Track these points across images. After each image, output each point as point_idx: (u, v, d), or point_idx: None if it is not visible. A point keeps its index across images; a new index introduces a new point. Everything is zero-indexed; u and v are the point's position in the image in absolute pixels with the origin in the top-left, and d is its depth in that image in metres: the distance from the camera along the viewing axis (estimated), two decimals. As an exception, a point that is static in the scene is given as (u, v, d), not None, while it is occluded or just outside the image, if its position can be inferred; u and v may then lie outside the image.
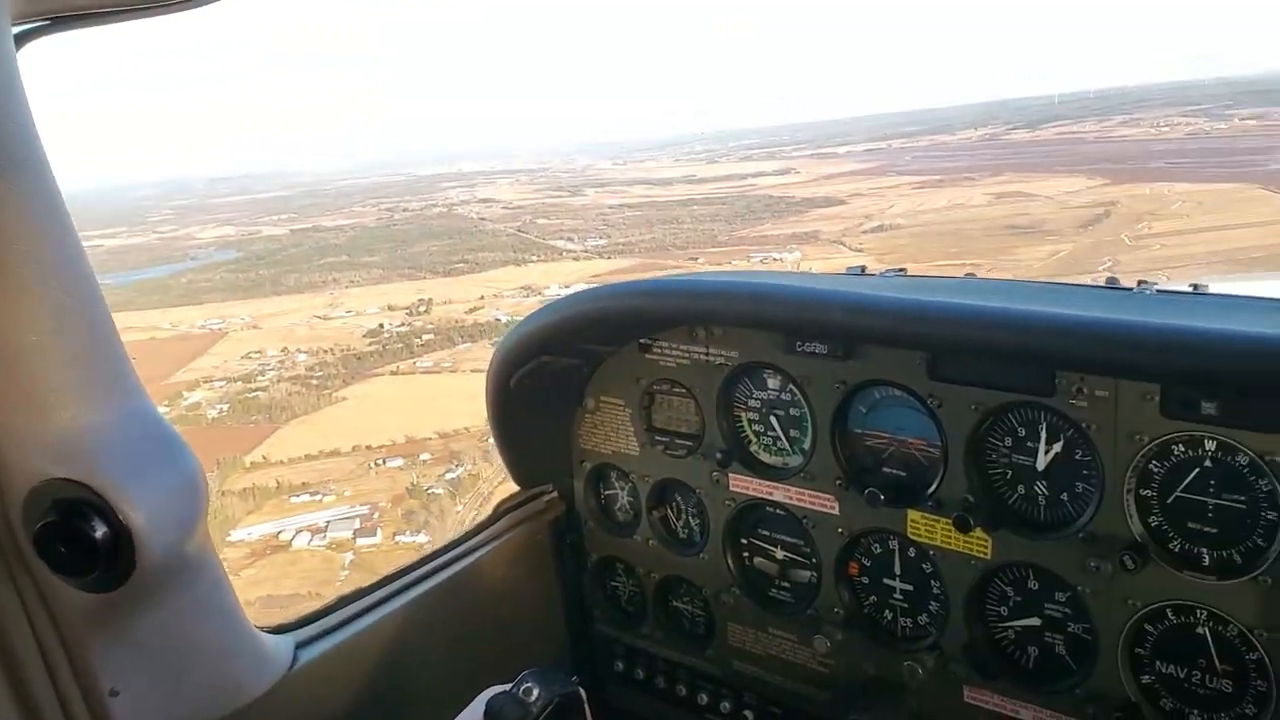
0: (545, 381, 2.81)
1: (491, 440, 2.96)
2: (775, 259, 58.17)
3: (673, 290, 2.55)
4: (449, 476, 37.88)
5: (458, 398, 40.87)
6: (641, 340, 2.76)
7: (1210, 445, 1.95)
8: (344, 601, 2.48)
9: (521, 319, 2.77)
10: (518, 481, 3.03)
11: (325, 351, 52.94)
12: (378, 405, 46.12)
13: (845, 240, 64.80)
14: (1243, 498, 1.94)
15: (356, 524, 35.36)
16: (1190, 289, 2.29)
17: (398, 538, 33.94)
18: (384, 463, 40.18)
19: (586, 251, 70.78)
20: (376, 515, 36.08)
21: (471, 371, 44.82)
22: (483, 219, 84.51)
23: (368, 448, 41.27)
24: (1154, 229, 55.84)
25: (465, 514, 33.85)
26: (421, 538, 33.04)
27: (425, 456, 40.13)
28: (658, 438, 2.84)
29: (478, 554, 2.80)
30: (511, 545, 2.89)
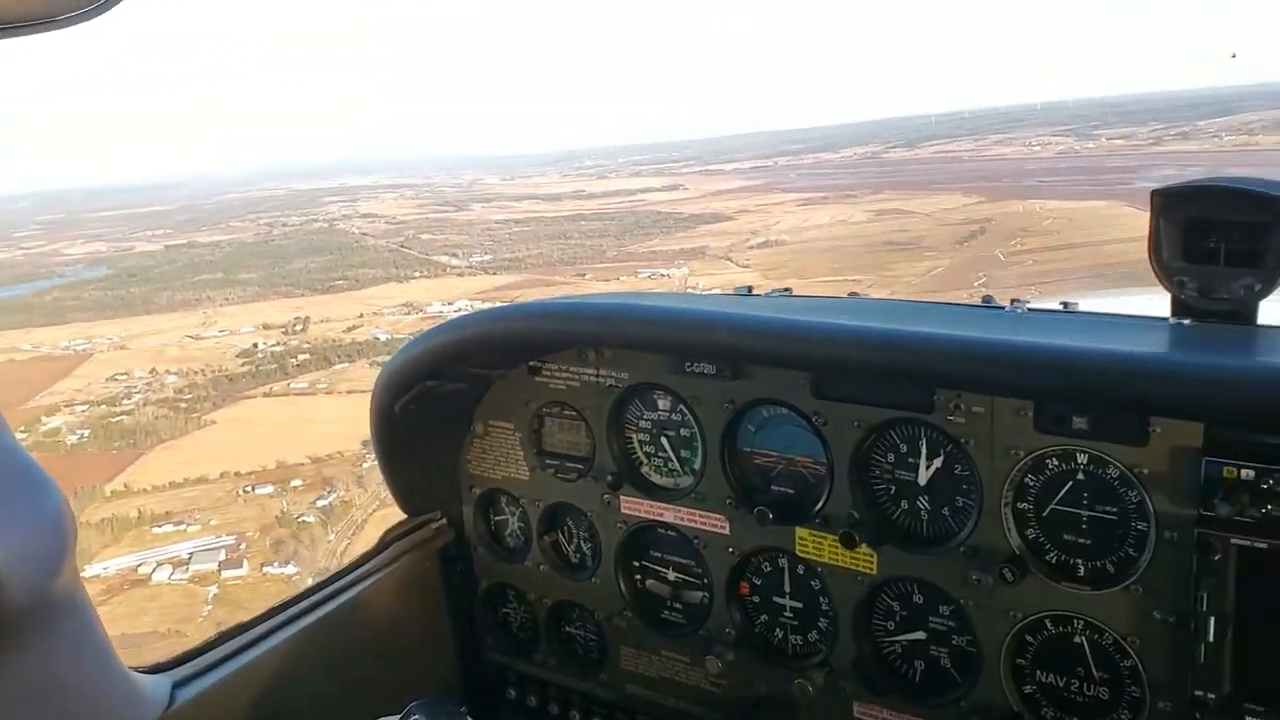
0: (431, 406, 2.76)
1: (366, 465, 3.17)
2: (663, 275, 58.50)
3: (561, 313, 2.55)
4: (321, 503, 36.68)
5: (333, 420, 39.81)
6: (530, 363, 2.75)
7: (1082, 458, 2.00)
8: (224, 637, 2.40)
9: (405, 343, 2.75)
10: (404, 509, 2.97)
11: (196, 373, 51.20)
12: (249, 429, 44.64)
13: (732, 256, 65.55)
14: (1114, 509, 2.00)
15: (222, 555, 33.99)
16: (1060, 307, 2.34)
17: (265, 569, 32.75)
18: (253, 489, 38.72)
19: (471, 267, 70.06)
20: (244, 546, 34.71)
21: (348, 392, 43.92)
22: (364, 234, 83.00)
23: (237, 474, 39.82)
24: (1026, 245, 57.61)
25: (337, 543, 32.66)
26: (290, 569, 31.97)
27: (297, 482, 38.81)
28: (548, 461, 2.81)
29: (364, 584, 2.73)
30: (399, 574, 2.83)
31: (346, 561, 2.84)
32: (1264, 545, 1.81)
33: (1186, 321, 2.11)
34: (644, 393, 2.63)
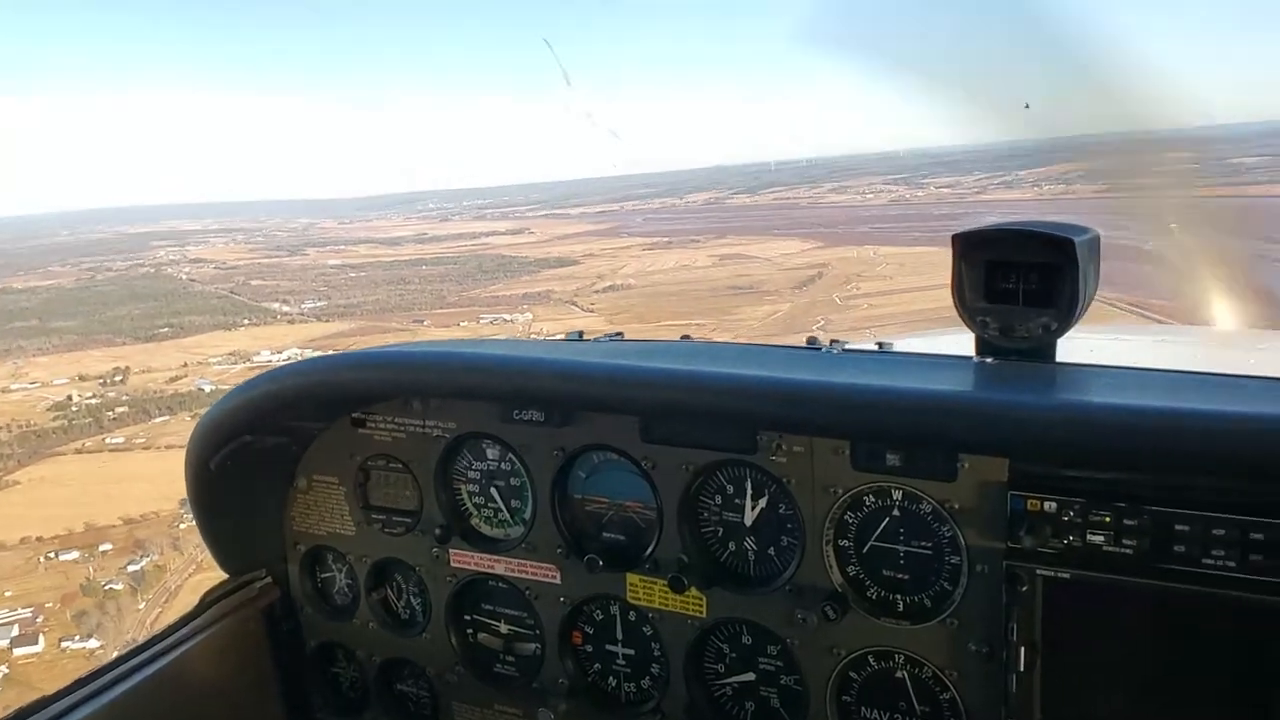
0: (251, 461, 2.65)
1: (183, 526, 2.87)
2: (506, 320, 57.91)
3: (382, 362, 2.47)
4: (131, 569, 33.94)
5: (150, 478, 37.22)
6: (354, 414, 2.67)
7: (897, 495, 2.07)
8: (25, 713, 2.27)
9: (221, 395, 2.64)
10: (225, 569, 2.83)
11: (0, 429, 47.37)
12: (56, 489, 41.30)
13: (578, 300, 65.35)
14: (928, 544, 2.06)
15: (15, 631, 30.88)
16: (876, 347, 2.40)
17: (65, 644, 30.00)
18: (56, 556, 35.59)
19: (303, 314, 67.73)
20: (41, 619, 31.76)
21: (167, 448, 41.44)
22: (192, 280, 79.38)
23: (38, 539, 36.64)
24: (861, 289, 59.22)
25: (148, 612, 30.23)
26: (93, 643, 29.46)
27: (106, 547, 35.90)
28: (374, 516, 2.73)
29: (183, 648, 2.59)
30: (221, 637, 2.70)
31: (161, 628, 2.67)
32: (1068, 575, 1.87)
33: (990, 360, 2.15)
34: (472, 442, 2.57)
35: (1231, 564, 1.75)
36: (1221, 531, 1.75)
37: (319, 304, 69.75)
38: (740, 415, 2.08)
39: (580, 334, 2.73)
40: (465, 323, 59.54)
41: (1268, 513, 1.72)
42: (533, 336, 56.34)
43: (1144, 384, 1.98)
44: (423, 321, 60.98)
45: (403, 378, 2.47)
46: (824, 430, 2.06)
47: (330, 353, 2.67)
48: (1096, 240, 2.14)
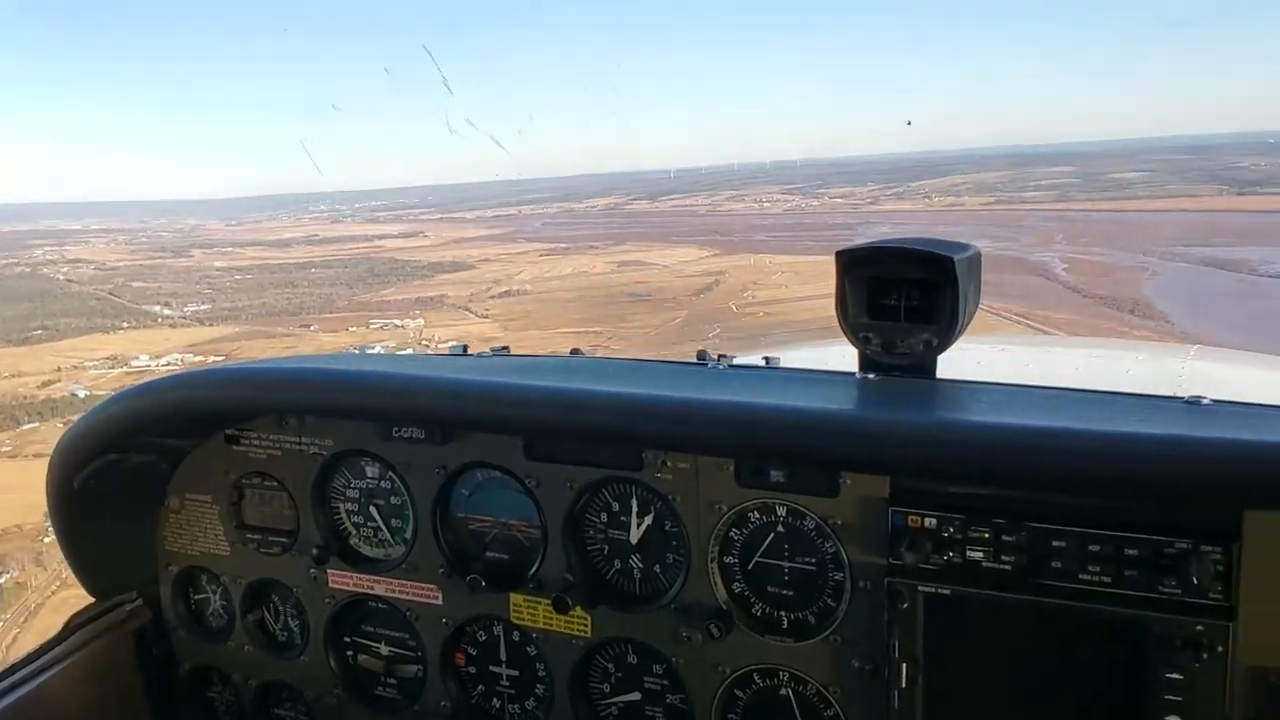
0: (118, 479, 2.58)
1: (48, 540, 2.30)
2: (396, 325, 56.59)
3: (255, 380, 2.43)
4: (-12, 586, 31.87)
5: (13, 489, 35.04)
6: (228, 431, 2.62)
7: (781, 511, 2.09)
8: None
9: (95, 403, 2.54)
10: (92, 592, 2.75)
11: None
12: (-92, 502, 38.74)
13: (472, 306, 64.06)
14: (813, 560, 2.09)
15: None
16: (763, 362, 2.44)
17: (-94, 673, 27.77)
18: (-97, 575, 33.20)
19: (185, 318, 65.04)
20: (-122, 647, 29.53)
21: (35, 456, 38.65)
22: (70, 280, 75.81)
23: (-116, 558, 34.14)
24: (758, 297, 59.40)
25: (4, 633, 28.40)
26: (-58, 669, 27.22)
27: (-39, 563, 33.63)
28: (249, 535, 2.69)
29: (45, 676, 2.50)
30: (87, 662, 2.61)
31: (21, 654, 2.54)
32: (948, 591, 1.89)
33: (872, 376, 2.17)
34: (350, 460, 2.53)
35: (1107, 579, 1.79)
36: (1097, 547, 1.79)
37: (203, 307, 67.18)
38: (623, 434, 2.08)
39: (464, 348, 2.69)
40: (354, 328, 57.80)
41: (1141, 529, 1.76)
42: (423, 343, 55.37)
43: (1020, 401, 2.04)
44: (310, 326, 59.01)
45: (275, 396, 2.42)
46: (708, 449, 2.07)
47: (203, 367, 2.61)
48: (977, 257, 2.17)
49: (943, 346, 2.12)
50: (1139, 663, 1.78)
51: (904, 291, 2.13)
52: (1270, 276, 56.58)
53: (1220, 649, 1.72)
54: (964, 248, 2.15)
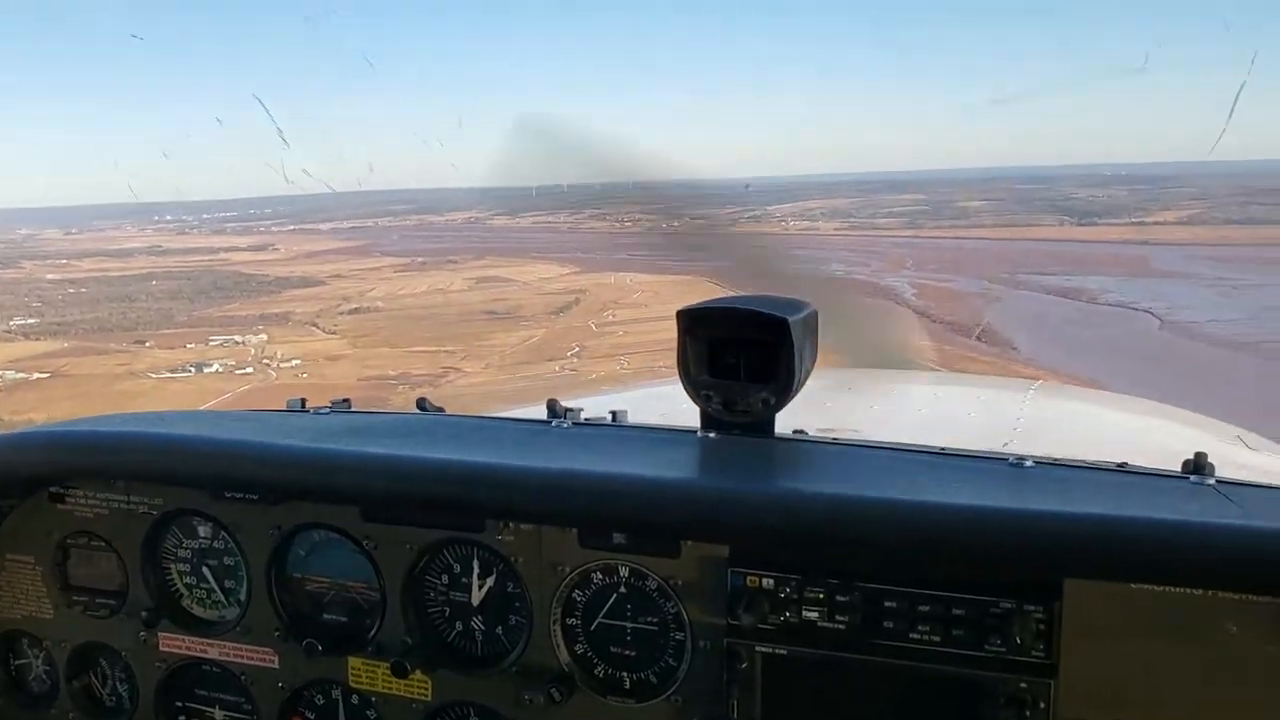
0: None
1: None
2: (237, 342, 54.36)
3: (76, 445, 2.37)
4: None
5: None
6: (52, 489, 2.54)
7: (624, 572, 2.09)
8: None
9: None
10: None
11: None
12: None
13: (319, 322, 62.09)
14: (655, 620, 2.09)
15: None
16: (610, 417, 2.43)
17: None
18: None
19: (10, 332, 60.98)
20: None
21: None
22: (-124, 292, 70.17)
23: None
24: (617, 316, 59.21)
25: None
26: None
27: None
28: (75, 598, 2.59)
29: None
30: None
31: None
32: (785, 651, 1.93)
33: (712, 435, 2.21)
34: (181, 519, 2.46)
35: (936, 638, 1.84)
36: (926, 607, 1.84)
37: (29, 321, 63.01)
38: (463, 505, 2.05)
39: (302, 402, 2.65)
40: (193, 345, 55.43)
41: (968, 589, 1.81)
42: (264, 361, 53.54)
43: (853, 464, 2.09)
44: (145, 343, 56.39)
45: (97, 461, 2.33)
46: (549, 519, 2.06)
47: (21, 429, 2.53)
48: (813, 316, 2.21)
49: (780, 404, 2.15)
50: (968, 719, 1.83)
51: (743, 351, 2.15)
52: (1109, 305, 59.20)
53: (1042, 705, 1.78)
54: (801, 307, 2.19)
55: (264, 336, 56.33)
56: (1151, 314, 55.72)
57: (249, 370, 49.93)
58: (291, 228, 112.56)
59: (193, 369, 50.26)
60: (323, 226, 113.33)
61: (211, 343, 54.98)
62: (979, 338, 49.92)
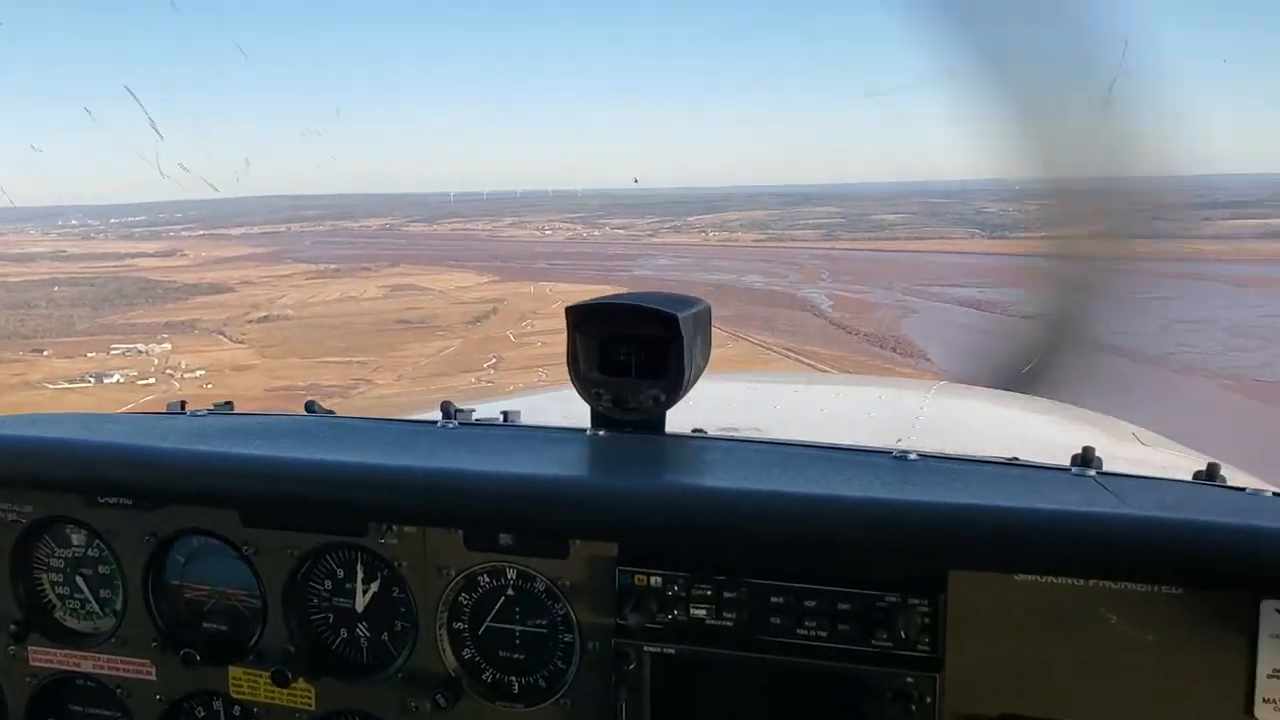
0: None
1: None
2: (140, 351, 52.61)
3: None
4: None
5: None
6: None
7: (512, 574, 2.06)
8: None
9: None
10: None
11: None
12: None
13: (226, 331, 60.42)
14: (544, 622, 2.07)
15: None
16: (500, 417, 2.41)
17: None
18: None
19: (-109, 338, 58.20)
20: None
21: None
22: None
23: None
24: (536, 326, 58.40)
25: None
26: None
27: None
28: None
29: None
30: None
31: None
32: (673, 650, 1.92)
33: (602, 433, 2.21)
34: (53, 527, 2.39)
35: (823, 634, 1.84)
36: (813, 603, 1.84)
37: (-86, 327, 60.35)
38: (343, 507, 2.03)
39: (182, 404, 2.60)
40: (93, 354, 53.40)
41: (854, 583, 1.81)
42: (167, 371, 51.83)
43: (740, 459, 2.10)
44: (43, 351, 54.24)
45: None
46: (432, 520, 2.03)
47: None
48: (706, 312, 2.21)
49: (671, 402, 2.14)
50: (855, 715, 1.83)
51: (634, 348, 2.14)
52: (1019, 317, 60.34)
53: (929, 699, 1.78)
54: (693, 303, 2.17)
55: (168, 346, 54.60)
56: (1061, 327, 56.96)
57: (151, 381, 48.25)
58: (201, 233, 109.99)
59: (92, 379, 48.40)
60: (233, 232, 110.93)
61: (113, 352, 53.10)
62: (895, 349, 50.47)
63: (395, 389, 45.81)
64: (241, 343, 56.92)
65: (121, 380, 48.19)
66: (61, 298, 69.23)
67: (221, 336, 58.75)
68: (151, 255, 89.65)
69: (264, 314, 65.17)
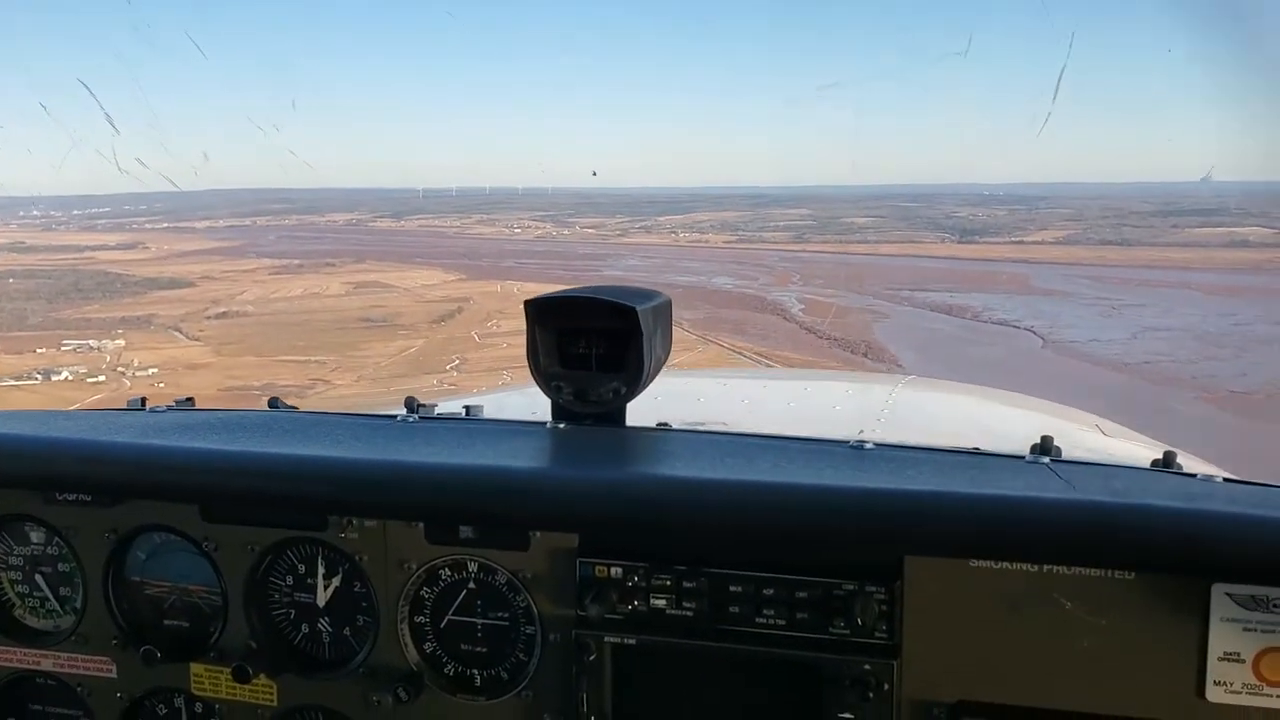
0: None
1: None
2: (92, 347, 51.22)
3: None
4: None
5: None
6: None
7: (473, 567, 2.07)
8: None
9: None
10: None
11: None
12: None
13: (183, 327, 59.25)
14: (505, 614, 2.07)
15: None
16: (462, 412, 2.44)
17: None
18: None
19: None
20: None
21: None
22: None
23: None
24: (502, 327, 57.64)
25: None
26: None
27: None
28: None
29: None
30: None
31: None
32: (634, 641, 1.93)
33: (563, 426, 2.22)
34: (12, 525, 2.39)
35: (781, 622, 1.85)
36: (771, 591, 1.85)
37: None
38: (303, 502, 2.02)
39: (142, 401, 2.59)
40: (43, 349, 52.06)
41: (811, 571, 1.82)
42: (118, 369, 50.49)
43: (695, 450, 2.13)
44: (-12, 345, 52.72)
45: None
46: (394, 513, 2.03)
47: None
48: (666, 305, 2.23)
49: (631, 394, 2.15)
50: (814, 703, 1.85)
51: (593, 341, 2.16)
52: (991, 323, 60.06)
53: (886, 686, 1.81)
54: (652, 296, 2.19)
55: (121, 342, 53.32)
56: (1034, 333, 56.65)
57: (101, 378, 46.98)
58: (165, 225, 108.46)
59: (40, 376, 47.05)
60: (198, 225, 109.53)
61: (64, 348, 51.81)
62: (865, 354, 49.96)
63: (353, 390, 44.82)
64: (198, 340, 55.82)
65: (70, 377, 46.90)
66: (15, 290, 67.76)
67: (177, 333, 57.56)
68: (113, 248, 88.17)
69: (223, 310, 64.03)
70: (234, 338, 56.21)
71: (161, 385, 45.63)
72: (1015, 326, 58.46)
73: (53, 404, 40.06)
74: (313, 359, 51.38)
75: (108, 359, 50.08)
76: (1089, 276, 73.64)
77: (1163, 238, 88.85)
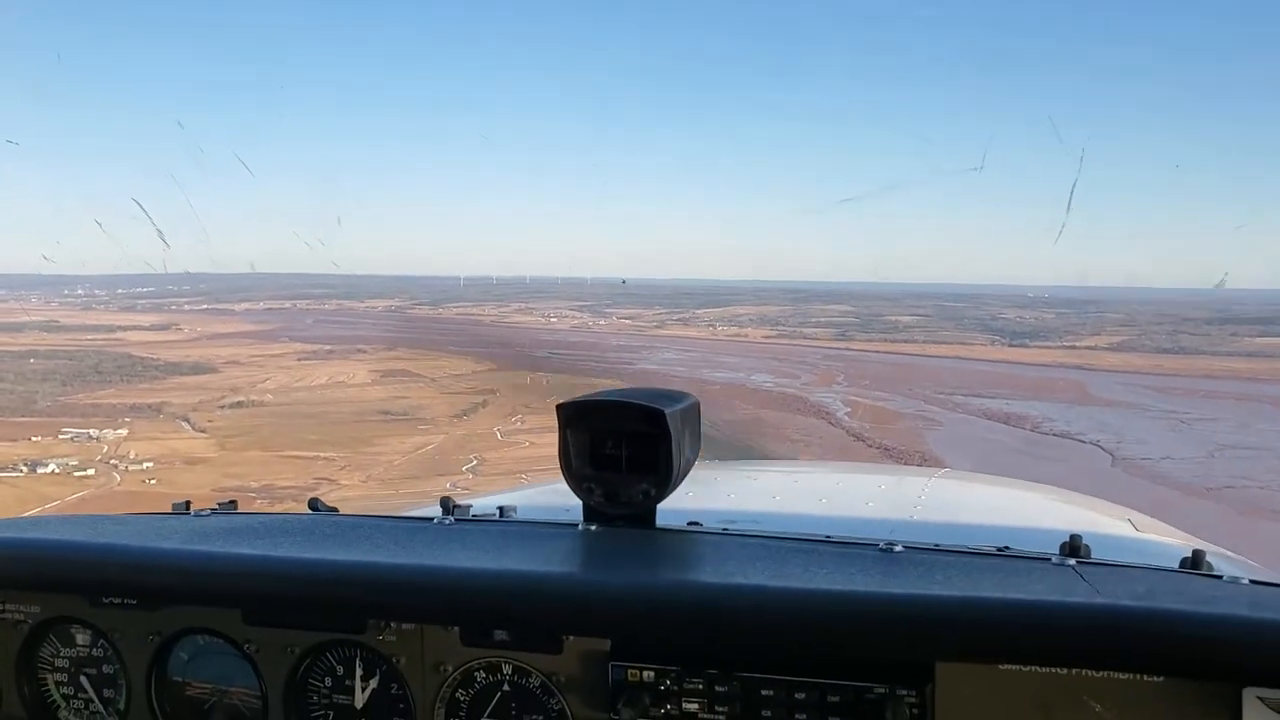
0: None
1: None
2: (90, 437, 49.00)
3: None
4: None
5: None
6: None
7: (507, 669, 2.11)
8: None
9: None
10: None
11: None
12: None
13: (192, 417, 56.92)
14: (540, 717, 2.11)
15: None
16: (497, 512, 2.48)
17: None
18: None
19: None
20: None
21: None
22: None
23: None
24: (526, 423, 54.80)
25: None
26: None
27: None
28: None
29: None
30: None
31: None
32: None
33: (594, 528, 2.26)
34: (58, 628, 2.40)
35: None
36: (802, 695, 1.88)
37: None
38: (339, 605, 2.05)
39: (187, 504, 2.61)
40: (39, 437, 50.01)
41: (843, 674, 1.85)
42: (112, 462, 48.13)
43: (724, 553, 2.14)
44: (-11, 431, 50.67)
45: None
46: (429, 618, 2.07)
47: None
48: (694, 408, 2.28)
49: (660, 496, 2.20)
50: None
51: (623, 443, 2.18)
52: (1052, 435, 56.04)
53: None
54: (680, 398, 2.24)
55: (124, 432, 51.05)
56: (1100, 447, 52.35)
57: (90, 471, 44.46)
58: (205, 307, 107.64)
59: (25, 468, 44.55)
60: (236, 307, 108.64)
61: (62, 436, 49.67)
62: (919, 466, 46.25)
63: (359, 491, 42.01)
64: (203, 431, 53.41)
65: (56, 470, 44.31)
66: (33, 371, 66.10)
67: (185, 423, 55.24)
68: (145, 328, 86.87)
69: (239, 399, 61.74)
70: (243, 429, 53.76)
71: (153, 481, 42.96)
72: (1079, 440, 54.25)
73: (30, 500, 37.51)
74: (321, 455, 48.81)
75: (105, 449, 47.75)
76: (1148, 386, 69.51)
77: (1222, 346, 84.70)
